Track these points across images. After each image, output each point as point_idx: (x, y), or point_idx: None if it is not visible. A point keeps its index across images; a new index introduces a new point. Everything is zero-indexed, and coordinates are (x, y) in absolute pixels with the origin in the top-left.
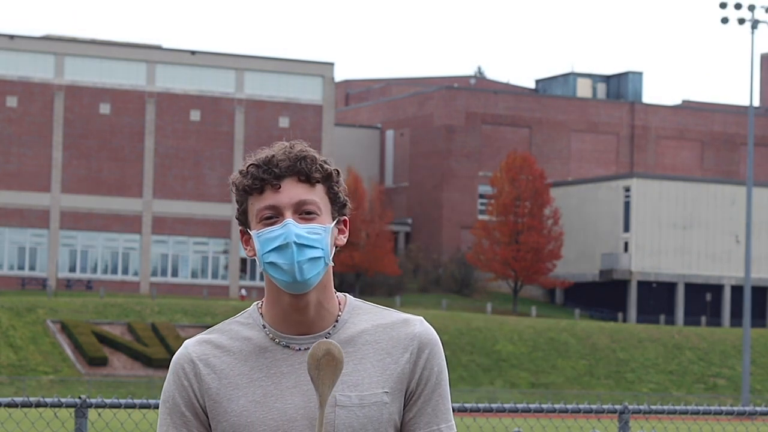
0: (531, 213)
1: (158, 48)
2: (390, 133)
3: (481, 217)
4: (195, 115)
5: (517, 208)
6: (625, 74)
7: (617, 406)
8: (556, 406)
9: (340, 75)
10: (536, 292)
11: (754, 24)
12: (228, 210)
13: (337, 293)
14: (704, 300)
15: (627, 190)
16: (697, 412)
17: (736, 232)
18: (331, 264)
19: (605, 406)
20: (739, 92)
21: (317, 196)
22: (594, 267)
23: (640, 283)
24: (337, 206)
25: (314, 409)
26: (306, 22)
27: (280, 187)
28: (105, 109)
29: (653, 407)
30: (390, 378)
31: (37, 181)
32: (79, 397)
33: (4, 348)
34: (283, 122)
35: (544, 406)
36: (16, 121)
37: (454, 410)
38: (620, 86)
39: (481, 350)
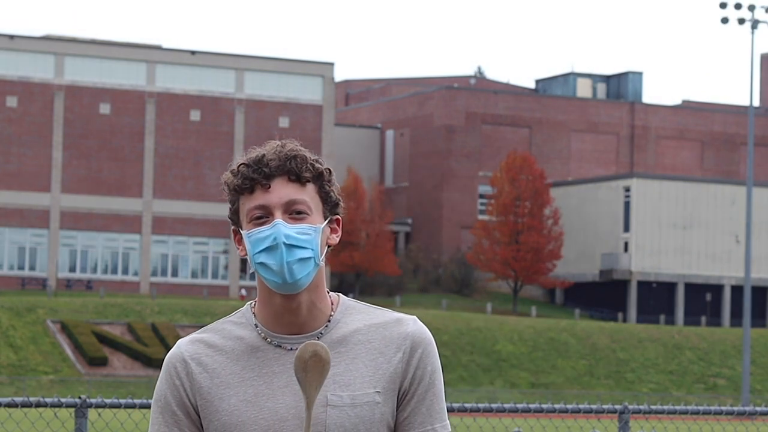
0: (531, 213)
1: (158, 48)
2: (390, 133)
3: (481, 217)
4: (195, 115)
5: (517, 208)
6: (625, 74)
7: (617, 406)
8: (556, 406)
9: (340, 75)
10: (536, 292)
11: (754, 24)
12: (228, 210)
13: (330, 293)
14: (704, 300)
15: (627, 190)
16: (697, 412)
17: (736, 232)
18: (323, 263)
19: (605, 406)
20: (739, 92)
21: (308, 195)
22: (594, 267)
23: (640, 283)
24: (329, 206)
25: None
26: (306, 22)
27: (269, 187)
28: (105, 109)
29: (653, 407)
30: (382, 378)
31: (37, 181)
32: (79, 397)
33: (4, 348)
34: (283, 122)
35: (544, 406)
36: (16, 121)
37: (454, 410)
38: (620, 86)
39: (481, 350)
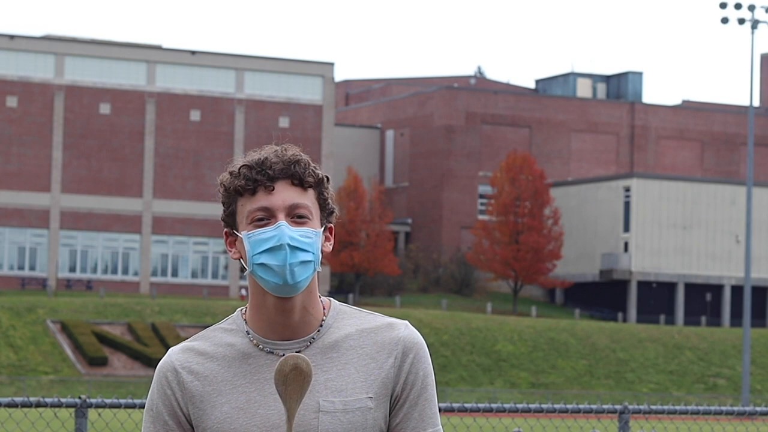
0: (531, 213)
1: (158, 48)
2: (390, 133)
3: (481, 217)
4: (195, 115)
5: (517, 208)
6: (625, 74)
7: (617, 406)
8: (556, 406)
9: (340, 75)
10: (536, 292)
11: (754, 24)
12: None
13: (322, 297)
14: (704, 300)
15: (627, 190)
16: (697, 412)
17: (736, 232)
18: (319, 270)
19: (605, 406)
20: (739, 92)
21: (309, 200)
22: (594, 267)
23: (640, 283)
24: (326, 213)
25: (298, 416)
26: (306, 22)
27: (273, 189)
28: (105, 109)
29: (653, 407)
30: (374, 383)
31: (37, 181)
32: (79, 397)
33: (4, 348)
34: (283, 122)
35: (544, 406)
36: (16, 121)
37: (454, 410)
38: (620, 86)
39: (481, 350)
